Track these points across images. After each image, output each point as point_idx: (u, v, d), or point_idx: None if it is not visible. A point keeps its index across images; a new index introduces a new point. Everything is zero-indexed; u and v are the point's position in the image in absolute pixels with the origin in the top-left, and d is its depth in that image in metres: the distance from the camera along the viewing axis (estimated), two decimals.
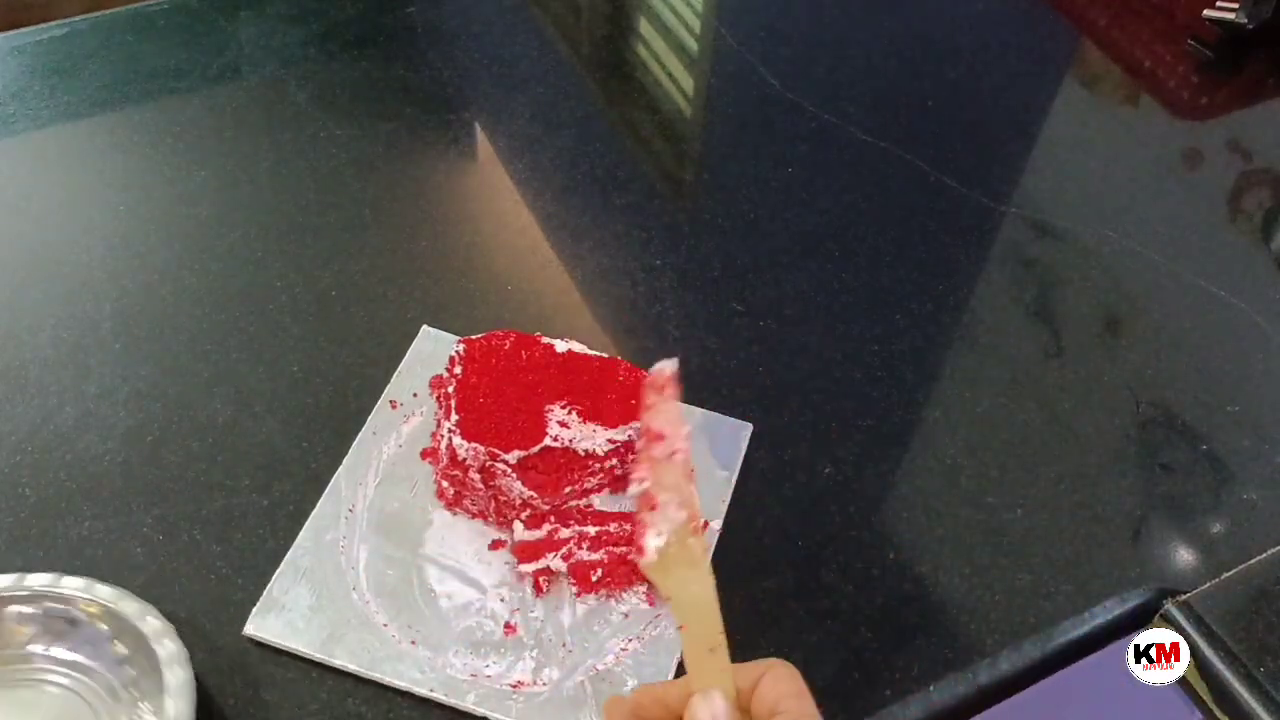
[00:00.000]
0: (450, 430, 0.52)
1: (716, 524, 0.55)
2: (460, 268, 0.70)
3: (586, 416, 0.53)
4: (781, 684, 0.35)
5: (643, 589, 0.53)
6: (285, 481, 0.57)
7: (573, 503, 0.54)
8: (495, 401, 0.53)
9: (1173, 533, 0.58)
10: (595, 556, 0.53)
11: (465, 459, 0.52)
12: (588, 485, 0.54)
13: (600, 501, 0.55)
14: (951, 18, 0.98)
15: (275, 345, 0.64)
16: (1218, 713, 0.51)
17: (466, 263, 0.70)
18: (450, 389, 0.54)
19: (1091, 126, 0.87)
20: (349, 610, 0.51)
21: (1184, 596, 0.54)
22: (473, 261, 0.71)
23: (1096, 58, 0.97)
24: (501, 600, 0.52)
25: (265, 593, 0.51)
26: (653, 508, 0.36)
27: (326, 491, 0.55)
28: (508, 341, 0.56)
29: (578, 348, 0.56)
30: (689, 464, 0.37)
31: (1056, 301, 0.71)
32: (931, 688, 0.51)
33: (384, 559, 0.53)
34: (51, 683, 0.47)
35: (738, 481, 0.57)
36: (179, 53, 0.85)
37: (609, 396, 0.54)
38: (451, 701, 0.48)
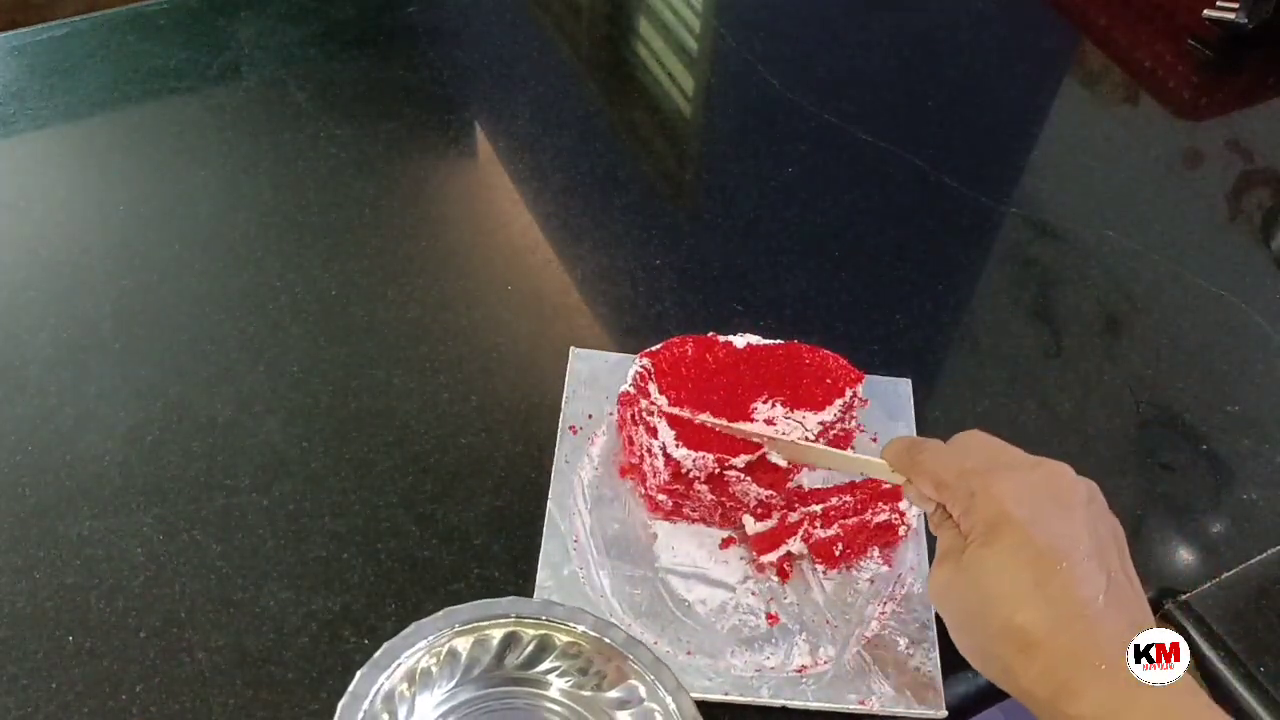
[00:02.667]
0: (666, 445, 0.52)
1: None
2: (460, 268, 0.70)
3: (791, 405, 0.53)
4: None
5: (877, 553, 0.54)
6: (285, 481, 0.57)
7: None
8: (702, 409, 0.53)
9: (1173, 533, 0.58)
10: (831, 532, 0.53)
11: (690, 471, 0.52)
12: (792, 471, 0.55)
13: (807, 480, 0.56)
14: (951, 17, 0.98)
15: (275, 345, 0.64)
16: None
17: (466, 263, 0.70)
18: (652, 404, 0.54)
19: (1091, 126, 0.88)
20: None
21: (1184, 596, 0.54)
22: (473, 261, 0.71)
23: (1096, 58, 0.97)
24: (753, 594, 0.53)
25: None
26: None
27: (545, 527, 0.54)
28: (688, 347, 0.56)
29: (755, 340, 0.56)
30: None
31: (1056, 301, 0.71)
32: None
33: (626, 580, 0.53)
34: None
35: None
36: (179, 53, 0.85)
37: (804, 381, 0.54)
38: (747, 699, 0.48)
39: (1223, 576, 0.55)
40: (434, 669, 0.45)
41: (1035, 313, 0.70)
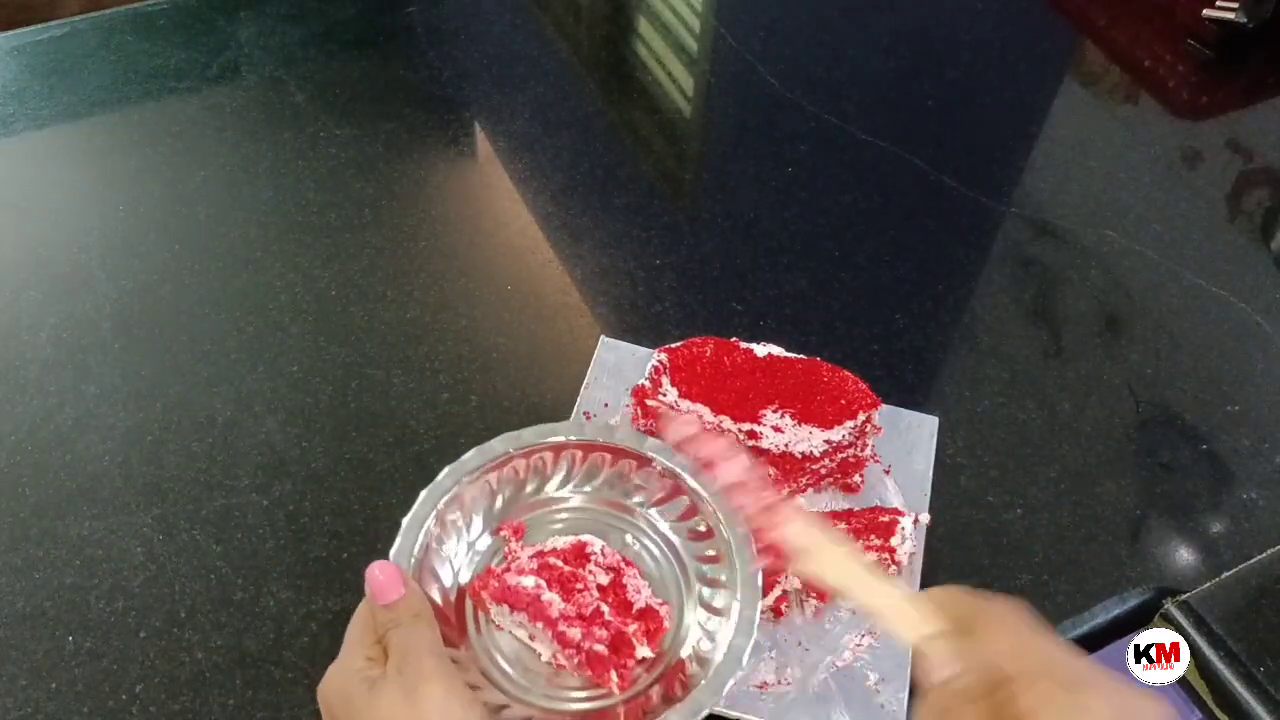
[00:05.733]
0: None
1: (925, 517, 0.55)
2: (460, 267, 0.70)
3: (801, 419, 0.53)
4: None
5: None
6: (285, 481, 0.57)
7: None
8: (713, 408, 0.53)
9: (1173, 533, 0.58)
10: None
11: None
12: (794, 487, 0.55)
13: (806, 501, 0.55)
14: (951, 17, 0.98)
15: (275, 345, 0.64)
16: (1218, 713, 0.51)
17: (466, 263, 0.70)
18: (662, 400, 0.53)
19: (1091, 126, 0.87)
20: None
21: (1184, 596, 0.54)
22: (473, 261, 0.71)
23: (1096, 58, 0.97)
24: None
25: None
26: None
27: None
28: (708, 349, 0.55)
29: (777, 351, 0.56)
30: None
31: (1056, 301, 0.71)
32: None
33: None
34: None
35: None
36: (179, 53, 0.85)
37: (818, 397, 0.54)
38: None
39: (1223, 576, 0.55)
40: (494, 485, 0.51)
41: (1035, 313, 0.70)
